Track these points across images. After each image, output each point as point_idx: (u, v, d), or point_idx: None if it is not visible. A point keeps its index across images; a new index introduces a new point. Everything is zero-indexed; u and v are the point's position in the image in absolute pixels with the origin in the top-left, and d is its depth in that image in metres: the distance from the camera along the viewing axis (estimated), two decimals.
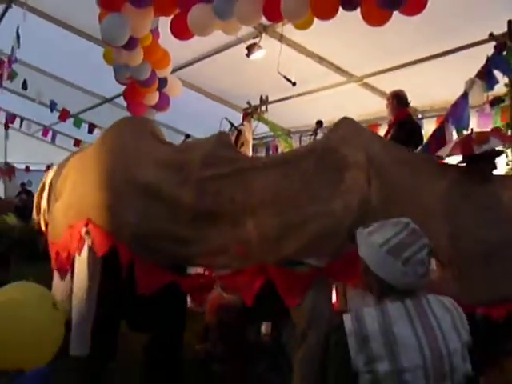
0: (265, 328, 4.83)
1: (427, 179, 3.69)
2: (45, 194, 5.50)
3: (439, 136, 5.26)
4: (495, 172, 3.79)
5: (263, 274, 3.49)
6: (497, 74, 4.97)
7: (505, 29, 4.89)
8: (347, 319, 2.00)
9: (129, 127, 4.55)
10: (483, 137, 3.71)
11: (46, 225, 5.49)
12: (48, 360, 3.59)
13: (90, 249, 4.13)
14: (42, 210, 5.59)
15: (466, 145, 3.73)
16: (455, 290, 3.62)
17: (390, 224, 2.13)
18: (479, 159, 3.64)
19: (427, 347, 1.92)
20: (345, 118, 3.89)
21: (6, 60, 9.09)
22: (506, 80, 5.05)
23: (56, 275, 4.97)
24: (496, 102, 5.77)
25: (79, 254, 4.25)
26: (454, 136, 5.16)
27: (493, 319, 3.65)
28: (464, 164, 3.78)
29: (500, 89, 5.30)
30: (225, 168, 3.76)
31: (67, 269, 4.58)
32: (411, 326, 1.96)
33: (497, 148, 3.69)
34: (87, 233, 4.13)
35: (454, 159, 3.87)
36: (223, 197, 3.64)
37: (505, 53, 4.86)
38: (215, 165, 3.78)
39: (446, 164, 3.94)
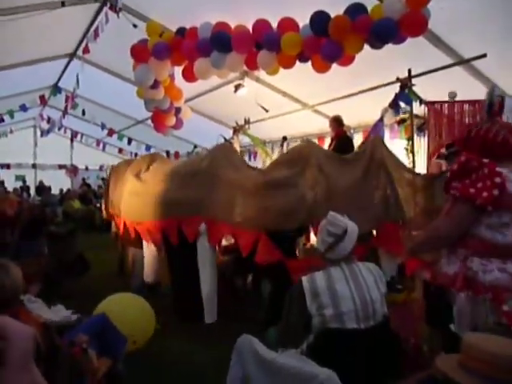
0: (249, 278, 4.79)
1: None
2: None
3: None
4: None
5: None
6: (402, 104, 5.06)
7: (406, 74, 4.93)
8: (304, 280, 2.02)
9: (230, 150, 4.42)
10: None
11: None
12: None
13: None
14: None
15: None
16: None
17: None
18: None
19: (357, 297, 1.96)
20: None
21: (70, 96, 9.01)
22: (408, 108, 5.09)
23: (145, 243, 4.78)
24: (401, 122, 5.84)
25: (196, 241, 3.90)
26: None
27: None
28: None
29: (404, 114, 5.36)
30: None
31: (158, 242, 4.43)
32: (347, 284, 1.99)
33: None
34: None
35: None
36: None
37: (406, 90, 4.91)
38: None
39: None
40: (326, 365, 1.57)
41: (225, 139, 8.06)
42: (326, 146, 7.02)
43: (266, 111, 7.15)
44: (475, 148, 1.99)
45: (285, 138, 7.57)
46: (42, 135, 14.49)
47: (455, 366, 1.30)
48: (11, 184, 16.42)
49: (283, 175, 3.62)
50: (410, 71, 4.90)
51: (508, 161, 1.93)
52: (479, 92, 5.47)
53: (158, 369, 3.19)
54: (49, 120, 12.89)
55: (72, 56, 8.75)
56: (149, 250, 4.86)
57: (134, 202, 4.78)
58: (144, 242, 4.87)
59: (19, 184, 16.98)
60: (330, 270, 2.04)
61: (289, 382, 1.58)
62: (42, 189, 15.39)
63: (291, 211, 3.46)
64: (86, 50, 6.89)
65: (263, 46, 4.79)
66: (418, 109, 5.35)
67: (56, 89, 10.64)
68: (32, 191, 16.63)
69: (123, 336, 2.69)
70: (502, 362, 1.21)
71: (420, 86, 4.95)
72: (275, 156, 7.75)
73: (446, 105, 5.30)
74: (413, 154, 4.85)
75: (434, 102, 5.34)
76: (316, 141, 8.79)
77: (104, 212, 6.43)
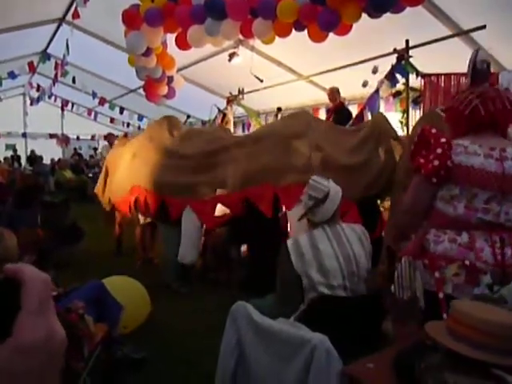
0: (244, 248, 4.83)
1: None
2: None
3: (360, 117, 5.34)
4: None
5: None
6: (398, 76, 5.00)
7: (403, 45, 4.85)
8: (289, 242, 2.11)
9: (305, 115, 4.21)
10: None
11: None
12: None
13: None
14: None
15: None
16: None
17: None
18: None
19: (340, 255, 2.04)
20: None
21: (60, 63, 8.78)
22: (404, 80, 5.04)
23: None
24: (397, 94, 5.80)
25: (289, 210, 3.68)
26: (369, 117, 5.22)
27: None
28: None
29: (399, 86, 5.32)
30: None
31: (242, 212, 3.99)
32: (329, 243, 2.07)
33: None
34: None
35: None
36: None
37: (403, 62, 4.85)
38: None
39: None
40: (318, 329, 1.61)
41: (218, 110, 7.98)
42: (321, 117, 6.97)
43: (261, 81, 7.04)
44: (450, 121, 1.97)
45: (279, 109, 7.50)
46: (31, 104, 14.20)
47: (444, 332, 1.35)
48: (1, 153, 16.19)
49: (370, 150, 3.61)
50: (407, 42, 4.81)
51: (479, 132, 1.86)
52: None
53: (161, 337, 3.26)
54: (38, 88, 12.61)
55: (61, 21, 8.50)
56: (193, 224, 4.14)
57: (190, 178, 4.16)
58: (185, 216, 4.14)
59: (9, 153, 16.76)
60: (313, 232, 2.13)
61: (282, 347, 1.62)
62: (33, 158, 15.19)
63: (377, 177, 3.51)
64: (76, 15, 6.68)
65: (259, 13, 4.67)
66: (415, 81, 5.31)
67: (45, 55, 10.37)
68: (23, 161, 16.42)
69: (119, 303, 2.73)
70: (489, 328, 1.25)
71: (417, 58, 4.89)
72: None
73: (443, 77, 5.24)
74: (407, 127, 4.84)
75: (430, 75, 5.30)
76: (311, 112, 8.74)
77: (107, 206, 5.43)
